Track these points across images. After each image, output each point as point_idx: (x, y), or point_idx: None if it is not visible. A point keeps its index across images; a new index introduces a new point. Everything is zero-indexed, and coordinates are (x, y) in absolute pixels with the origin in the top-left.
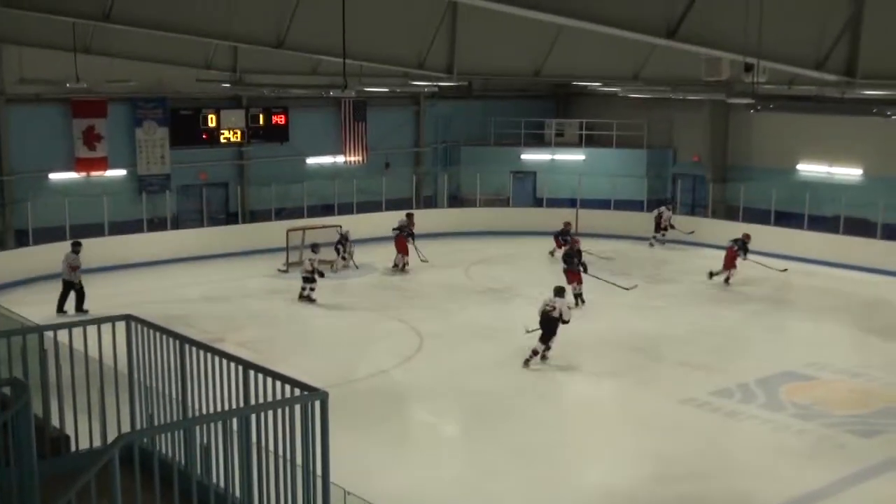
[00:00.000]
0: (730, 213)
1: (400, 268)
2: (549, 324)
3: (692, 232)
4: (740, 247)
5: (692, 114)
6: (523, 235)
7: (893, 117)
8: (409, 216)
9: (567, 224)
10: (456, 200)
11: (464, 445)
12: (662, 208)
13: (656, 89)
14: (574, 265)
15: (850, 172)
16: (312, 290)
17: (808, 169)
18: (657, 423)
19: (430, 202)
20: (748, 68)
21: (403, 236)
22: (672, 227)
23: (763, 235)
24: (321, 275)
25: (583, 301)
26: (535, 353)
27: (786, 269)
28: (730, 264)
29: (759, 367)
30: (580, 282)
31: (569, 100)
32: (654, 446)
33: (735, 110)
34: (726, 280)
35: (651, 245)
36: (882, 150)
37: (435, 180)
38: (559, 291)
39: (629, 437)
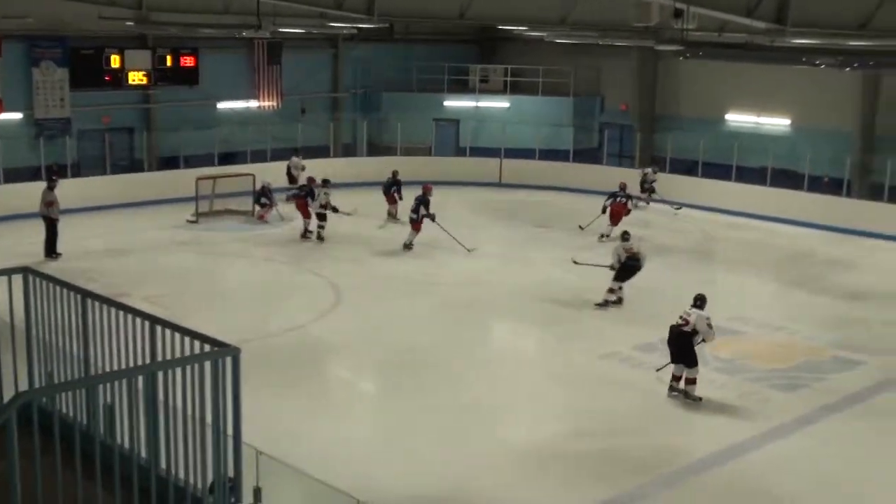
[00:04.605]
0: (657, 164)
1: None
2: (681, 340)
3: (679, 207)
4: (625, 196)
5: (620, 61)
6: (446, 185)
7: (823, 66)
8: (394, 172)
9: (395, 173)
10: (375, 149)
11: (382, 402)
12: (648, 169)
13: (584, 35)
14: (418, 216)
15: (779, 123)
16: (322, 227)
17: (737, 119)
18: (580, 377)
19: (349, 150)
20: (678, 14)
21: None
22: (653, 189)
23: (690, 187)
24: (335, 210)
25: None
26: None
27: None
28: (617, 219)
29: None
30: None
31: (494, 45)
32: (578, 401)
33: (663, 58)
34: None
35: (636, 206)
36: (810, 100)
37: (354, 127)
38: (700, 301)
39: (552, 392)
